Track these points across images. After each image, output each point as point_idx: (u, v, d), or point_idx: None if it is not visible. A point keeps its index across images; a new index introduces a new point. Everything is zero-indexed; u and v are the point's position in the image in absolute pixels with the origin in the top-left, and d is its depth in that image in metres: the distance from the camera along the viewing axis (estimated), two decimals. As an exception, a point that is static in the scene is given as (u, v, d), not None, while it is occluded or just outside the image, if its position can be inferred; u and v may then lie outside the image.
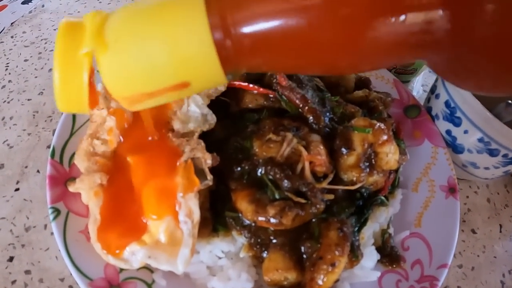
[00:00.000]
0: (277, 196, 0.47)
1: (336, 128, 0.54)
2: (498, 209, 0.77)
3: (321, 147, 0.51)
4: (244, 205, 0.48)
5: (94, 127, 0.58)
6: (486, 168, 0.69)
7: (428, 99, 0.75)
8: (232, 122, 0.56)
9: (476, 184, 0.78)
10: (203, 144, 0.51)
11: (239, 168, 0.51)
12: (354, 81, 0.66)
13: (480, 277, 0.67)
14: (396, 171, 0.60)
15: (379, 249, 0.55)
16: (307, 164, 0.49)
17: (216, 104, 0.57)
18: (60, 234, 0.53)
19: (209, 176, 0.48)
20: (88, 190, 0.53)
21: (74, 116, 0.62)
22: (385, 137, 0.53)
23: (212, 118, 0.54)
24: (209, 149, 0.53)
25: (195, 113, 0.54)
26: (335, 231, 0.46)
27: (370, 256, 0.52)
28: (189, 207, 0.48)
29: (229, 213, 0.50)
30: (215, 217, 0.51)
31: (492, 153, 0.66)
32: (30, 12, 0.90)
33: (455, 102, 0.68)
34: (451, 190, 0.63)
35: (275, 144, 0.50)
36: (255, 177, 0.50)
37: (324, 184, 0.48)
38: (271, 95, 0.56)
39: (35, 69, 0.79)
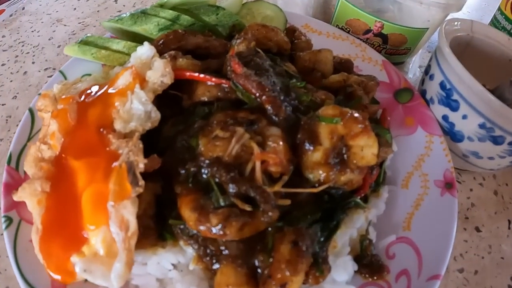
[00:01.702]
0: (222, 203, 0.37)
1: (301, 119, 0.43)
2: (507, 203, 0.63)
3: (280, 142, 0.40)
4: (187, 212, 0.38)
5: (44, 131, 0.51)
6: (491, 158, 0.55)
7: (422, 81, 0.61)
8: (183, 117, 0.46)
9: (482, 174, 0.64)
10: (141, 145, 0.41)
11: (184, 170, 0.41)
12: (332, 64, 0.54)
13: (484, 282, 0.54)
14: (381, 165, 0.47)
15: (357, 258, 0.43)
16: (258, 164, 0.38)
17: (169, 98, 0.47)
18: (10, 243, 0.47)
19: (141, 182, 0.38)
20: (30, 198, 0.46)
21: (32, 121, 0.55)
22: (359, 128, 0.41)
23: (156, 115, 0.44)
24: (156, 149, 0.44)
25: (138, 110, 0.44)
26: (288, 245, 0.35)
27: (344, 268, 0.41)
28: (122, 216, 0.39)
29: (173, 221, 0.40)
30: (163, 224, 0.42)
31: (497, 140, 0.52)
32: (11, 15, 0.83)
33: (451, 83, 0.54)
34: (448, 185, 0.49)
35: (222, 142, 0.39)
36: (201, 180, 0.40)
37: (278, 187, 0.37)
38: (226, 85, 0.45)
39: (11, 73, 0.73)
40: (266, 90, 0.42)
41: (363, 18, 0.62)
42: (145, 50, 0.49)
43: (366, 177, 0.44)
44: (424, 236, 0.46)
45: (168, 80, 0.45)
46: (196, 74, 0.46)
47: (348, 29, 0.65)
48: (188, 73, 0.46)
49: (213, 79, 0.45)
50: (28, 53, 0.75)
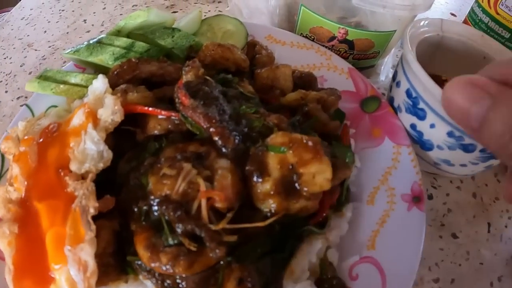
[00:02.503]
0: (171, 242, 0.35)
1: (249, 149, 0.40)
2: (486, 204, 0.59)
3: (228, 176, 0.38)
4: (141, 250, 0.37)
5: (10, 173, 0.50)
6: (463, 165, 0.52)
7: (390, 88, 0.57)
8: (136, 153, 0.43)
9: (459, 177, 0.61)
10: (93, 187, 0.40)
11: (137, 208, 0.39)
12: (291, 80, 0.50)
13: (462, 290, 0.52)
14: (342, 184, 0.45)
15: (318, 282, 0.41)
16: (203, 202, 0.36)
17: (124, 133, 0.45)
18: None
19: (92, 227, 0.37)
20: (1, 240, 0.45)
21: (2, 159, 0.54)
22: (309, 155, 0.38)
23: (108, 155, 0.42)
24: (110, 187, 0.43)
25: (92, 150, 0.43)
26: (233, 282, 0.34)
27: (303, 294, 0.39)
28: (79, 258, 0.38)
29: (131, 258, 0.40)
30: (124, 259, 0.41)
31: (467, 148, 0.49)
32: (-15, 43, 0.81)
33: (417, 91, 0.50)
34: (416, 199, 0.46)
35: (170, 180, 0.38)
36: (153, 218, 0.38)
37: (223, 225, 0.35)
38: (175, 117, 0.42)
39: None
40: (213, 121, 0.40)
41: (326, 26, 0.58)
42: (99, 84, 0.47)
43: (325, 200, 0.42)
44: (389, 255, 0.43)
45: (118, 118, 0.43)
46: (146, 108, 0.43)
47: (312, 37, 0.61)
48: (139, 107, 0.44)
49: (163, 112, 0.43)
50: (1, 81, 0.74)
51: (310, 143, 0.38)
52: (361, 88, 0.55)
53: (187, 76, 0.44)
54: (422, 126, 0.50)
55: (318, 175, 0.38)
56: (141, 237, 0.39)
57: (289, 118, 0.45)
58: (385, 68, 0.68)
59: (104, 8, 0.82)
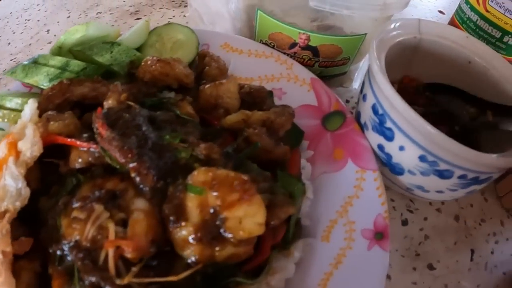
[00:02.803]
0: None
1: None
2: (471, 228, 0.52)
3: (143, 220, 0.32)
4: None
5: None
6: (439, 192, 0.44)
7: (358, 101, 0.50)
8: (57, 189, 0.39)
9: (441, 199, 0.53)
10: (7, 230, 0.35)
11: (52, 251, 0.35)
12: (237, 97, 0.44)
13: (437, 330, 0.45)
14: (288, 220, 0.38)
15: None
16: (110, 252, 0.31)
17: (51, 165, 0.40)
18: None
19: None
20: None
21: None
22: (234, 196, 0.32)
23: (25, 193, 0.37)
24: (30, 225, 0.38)
25: (11, 187, 0.38)
26: None
27: None
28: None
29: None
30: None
31: (443, 175, 0.41)
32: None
33: (383, 108, 0.42)
34: (378, 236, 0.40)
35: (80, 223, 0.33)
36: (67, 264, 0.34)
37: (129, 279, 0.30)
38: (95, 150, 0.37)
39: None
40: (129, 156, 0.34)
41: (285, 31, 0.50)
42: (27, 110, 0.42)
43: (264, 242, 0.36)
44: (342, 302, 0.37)
45: (36, 151, 0.38)
46: (66, 139, 0.38)
47: (272, 44, 0.54)
48: (59, 138, 0.39)
49: (82, 143, 0.37)
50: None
51: (236, 182, 0.32)
52: (324, 102, 0.48)
53: (108, 102, 0.39)
54: (390, 147, 0.43)
55: (246, 219, 0.32)
56: (56, 283, 0.35)
57: (230, 144, 0.39)
58: (360, 74, 0.60)
59: (69, 17, 0.77)
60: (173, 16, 0.73)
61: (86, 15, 0.75)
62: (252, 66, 0.52)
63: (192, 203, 0.32)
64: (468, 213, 0.53)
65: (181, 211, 0.33)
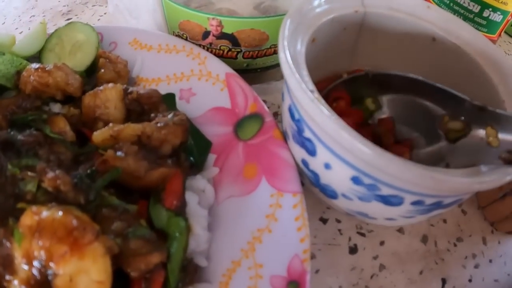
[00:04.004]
0: None
1: None
2: (442, 251, 0.38)
3: None
4: None
5: None
6: (391, 219, 0.31)
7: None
8: None
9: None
10: None
11: None
12: (120, 107, 0.33)
13: None
14: (165, 265, 0.27)
15: None
16: None
17: None
18: None
19: None
20: None
21: None
22: (62, 248, 0.22)
23: None
24: None
25: None
26: None
27: None
28: None
29: None
30: None
31: (389, 201, 0.28)
32: None
33: (298, 111, 0.30)
34: (292, 286, 0.28)
35: None
36: None
37: None
38: None
39: None
40: None
41: (194, 18, 0.38)
42: None
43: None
44: None
45: None
46: None
47: (185, 36, 0.41)
48: None
49: None
50: None
51: (61, 229, 0.22)
52: (239, 103, 0.36)
53: None
54: (315, 164, 0.30)
55: (79, 277, 0.22)
56: None
57: (84, 170, 0.28)
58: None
59: (4, 23, 0.68)
60: (104, 13, 0.62)
61: (20, 20, 0.66)
62: (161, 64, 0.41)
63: (18, 253, 0.23)
64: (440, 232, 0.39)
65: (9, 261, 0.24)
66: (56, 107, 0.37)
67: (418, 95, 0.35)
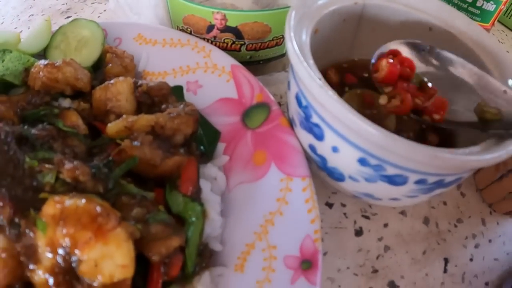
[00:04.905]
0: None
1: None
2: (444, 232, 0.40)
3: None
4: None
5: None
6: (395, 199, 0.33)
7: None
8: None
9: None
10: None
11: None
12: (131, 99, 0.34)
13: None
14: (183, 250, 0.28)
15: None
16: None
17: None
18: None
19: None
20: None
21: None
22: (86, 234, 0.23)
23: None
24: None
25: None
26: None
27: None
28: None
29: None
30: None
31: (394, 181, 0.30)
32: None
33: (306, 98, 0.31)
34: (305, 264, 0.29)
35: None
36: None
37: None
38: None
39: None
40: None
41: (198, 13, 0.40)
42: None
43: (152, 280, 0.27)
44: None
45: None
46: None
47: (189, 30, 0.43)
48: None
49: None
50: None
51: (85, 216, 0.23)
52: (246, 93, 0.38)
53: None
54: (322, 149, 0.32)
55: (104, 261, 0.23)
56: None
57: (102, 160, 0.29)
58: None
59: (2, 23, 0.68)
60: (104, 10, 0.63)
61: (19, 19, 0.67)
62: (166, 58, 0.42)
63: (41, 242, 0.25)
64: (441, 214, 0.41)
65: (33, 251, 0.25)
66: (65, 102, 0.38)
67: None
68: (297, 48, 0.30)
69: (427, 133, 0.37)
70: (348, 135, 0.29)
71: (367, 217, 0.40)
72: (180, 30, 0.44)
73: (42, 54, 0.46)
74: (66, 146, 0.32)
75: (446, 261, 0.39)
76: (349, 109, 0.27)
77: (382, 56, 0.36)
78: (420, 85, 0.37)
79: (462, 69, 0.36)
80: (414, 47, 0.37)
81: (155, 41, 0.43)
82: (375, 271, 0.38)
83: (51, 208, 0.25)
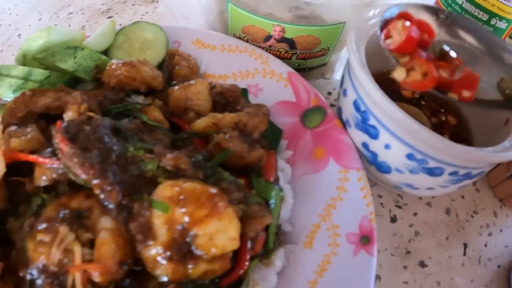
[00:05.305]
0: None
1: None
2: (462, 221, 0.48)
3: (110, 241, 0.29)
4: None
5: None
6: (430, 189, 0.40)
7: (338, 95, 0.45)
8: (25, 208, 0.35)
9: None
10: None
11: (24, 274, 0.32)
12: (208, 99, 0.39)
13: (430, 330, 0.42)
14: (267, 229, 0.34)
15: None
16: (77, 277, 0.28)
17: (16, 183, 0.36)
18: None
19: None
20: None
21: None
22: (203, 212, 0.28)
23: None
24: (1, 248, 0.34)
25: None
26: None
27: None
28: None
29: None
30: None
31: (433, 172, 0.37)
32: None
33: (366, 105, 0.38)
34: (364, 240, 0.36)
35: (45, 247, 0.30)
36: None
37: None
38: (58, 165, 0.32)
39: None
40: (91, 172, 0.30)
41: (258, 24, 0.45)
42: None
43: (242, 254, 0.32)
44: (328, 312, 0.33)
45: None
46: (30, 156, 0.34)
47: (246, 38, 0.48)
48: (21, 155, 0.35)
49: (42, 160, 0.33)
50: None
51: (204, 196, 0.28)
52: (303, 97, 0.44)
53: (68, 114, 0.34)
54: (375, 146, 0.39)
55: (217, 235, 0.29)
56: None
57: (200, 151, 0.34)
58: (342, 64, 0.55)
59: (40, 20, 0.71)
60: (146, 13, 0.67)
61: (58, 17, 0.69)
62: (226, 62, 0.47)
63: (158, 220, 0.29)
64: (460, 206, 0.49)
65: (148, 229, 0.29)
66: (139, 99, 0.43)
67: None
68: (360, 62, 0.36)
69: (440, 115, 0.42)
70: (401, 134, 0.36)
71: (399, 207, 0.47)
72: (237, 37, 0.49)
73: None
74: (154, 138, 0.37)
75: (465, 246, 0.46)
76: (405, 114, 0.33)
77: (389, 20, 0.34)
78: (440, 55, 0.33)
79: (482, 38, 0.35)
80: (429, 10, 0.35)
81: (214, 46, 0.49)
82: (408, 252, 0.45)
83: (167, 190, 0.29)
